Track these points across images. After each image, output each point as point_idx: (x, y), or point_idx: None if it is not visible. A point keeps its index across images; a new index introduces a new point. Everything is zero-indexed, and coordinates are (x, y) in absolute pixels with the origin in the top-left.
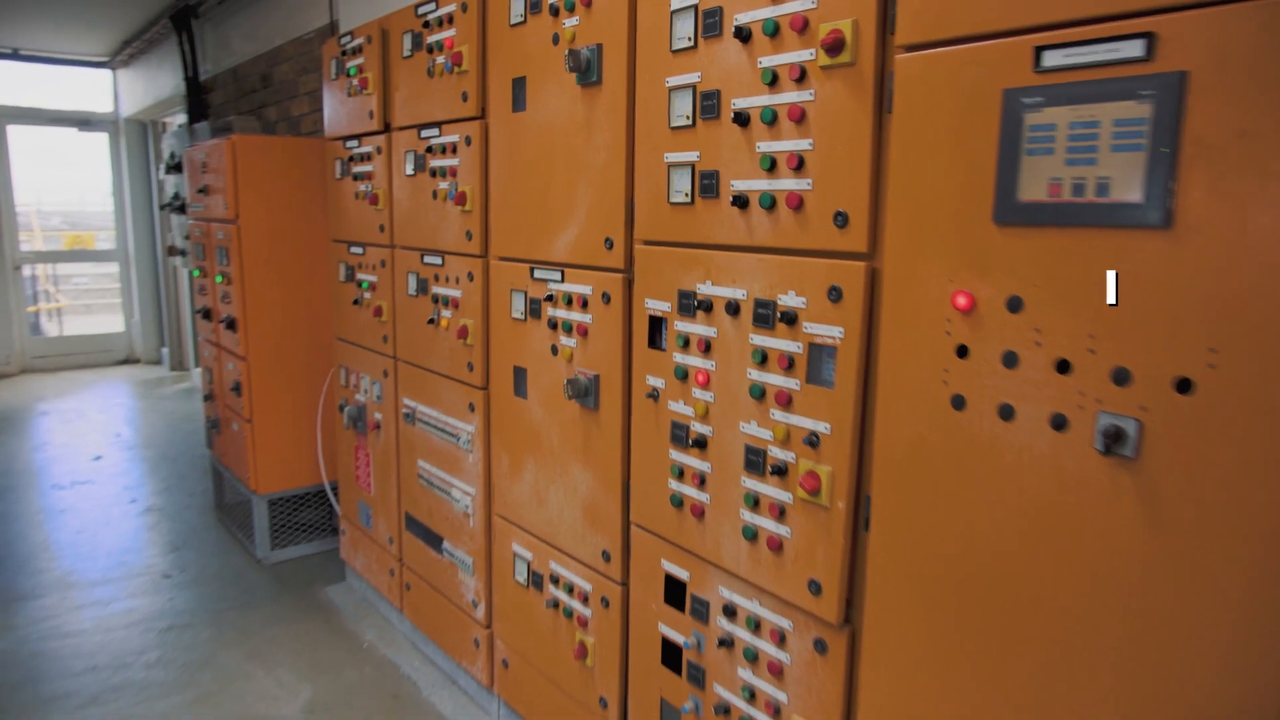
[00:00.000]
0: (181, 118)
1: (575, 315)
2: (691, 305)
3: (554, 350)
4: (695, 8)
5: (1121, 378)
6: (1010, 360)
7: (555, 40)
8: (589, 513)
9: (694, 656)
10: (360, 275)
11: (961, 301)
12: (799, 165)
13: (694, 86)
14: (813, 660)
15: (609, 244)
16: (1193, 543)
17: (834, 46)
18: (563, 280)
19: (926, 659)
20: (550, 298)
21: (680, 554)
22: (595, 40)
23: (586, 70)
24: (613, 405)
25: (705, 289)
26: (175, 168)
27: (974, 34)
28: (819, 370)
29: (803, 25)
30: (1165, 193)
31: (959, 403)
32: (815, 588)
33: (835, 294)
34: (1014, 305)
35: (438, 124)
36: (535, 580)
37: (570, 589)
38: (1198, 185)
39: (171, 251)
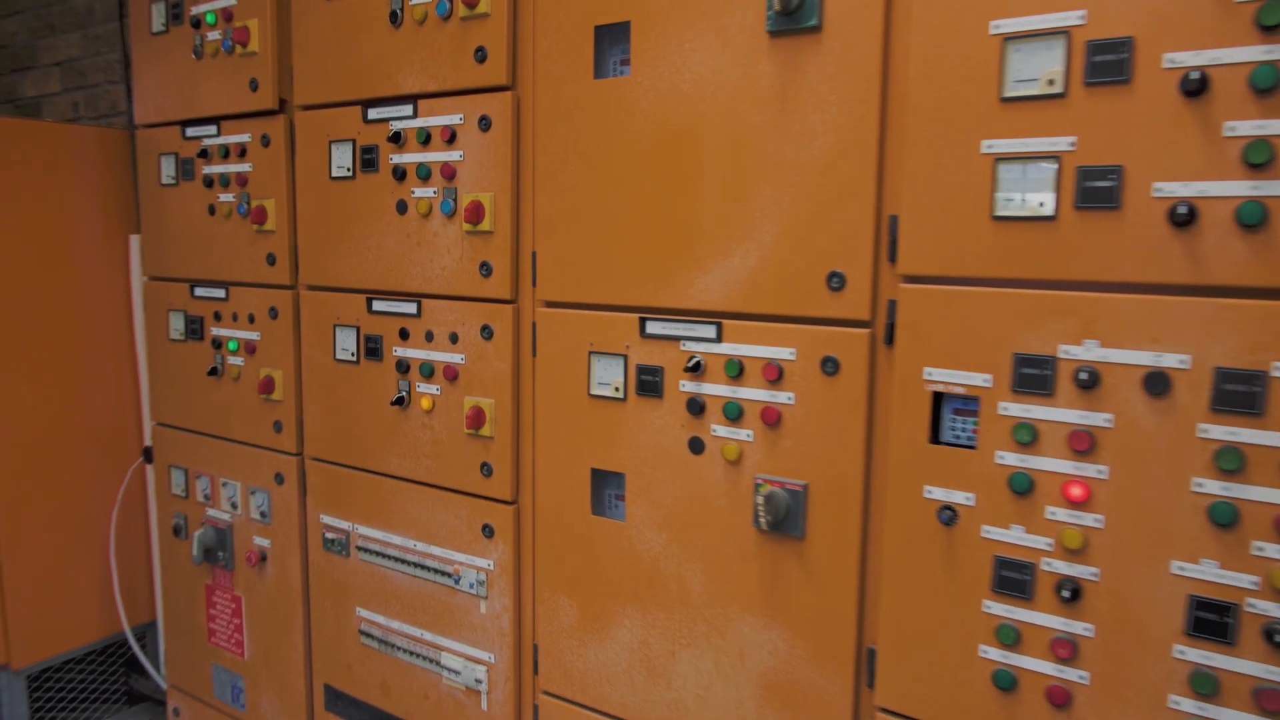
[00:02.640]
0: None
1: (754, 393)
2: (1046, 378)
3: (696, 446)
4: None
5: None
6: None
7: None
8: (776, 691)
9: None
10: (219, 331)
11: None
12: None
13: (1066, 32)
14: None
15: (836, 281)
16: None
17: None
18: (719, 339)
19: None
20: (695, 365)
21: None
22: None
23: (798, 10)
24: (839, 531)
25: (1080, 352)
26: None
27: None
28: None
29: None
30: None
31: None
32: None
33: None
34: None
35: (410, 99)
36: None
37: None
38: None
39: None
